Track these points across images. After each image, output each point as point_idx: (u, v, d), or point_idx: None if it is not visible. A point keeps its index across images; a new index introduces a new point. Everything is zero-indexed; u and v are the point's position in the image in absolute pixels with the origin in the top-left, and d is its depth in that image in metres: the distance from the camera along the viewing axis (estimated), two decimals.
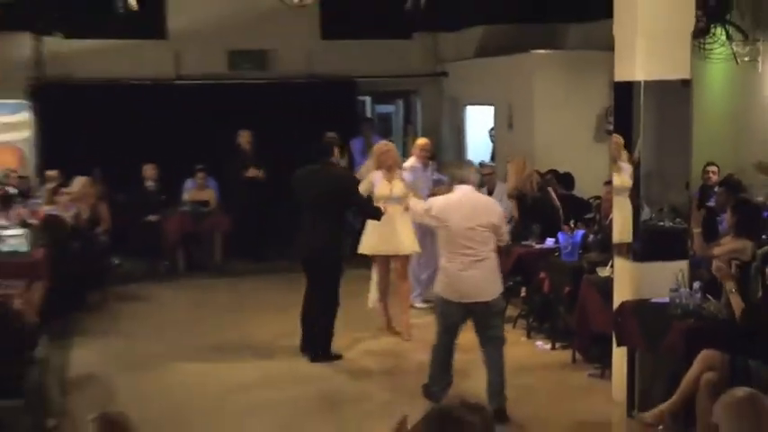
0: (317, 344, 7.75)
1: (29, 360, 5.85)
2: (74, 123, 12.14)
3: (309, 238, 7.62)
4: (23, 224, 9.05)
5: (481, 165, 10.99)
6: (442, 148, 13.29)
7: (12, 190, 10.70)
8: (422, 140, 9.97)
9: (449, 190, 6.46)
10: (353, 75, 13.59)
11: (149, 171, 11.60)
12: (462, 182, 6.12)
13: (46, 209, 9.72)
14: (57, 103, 12.47)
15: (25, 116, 12.10)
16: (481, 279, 6.01)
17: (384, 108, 16.83)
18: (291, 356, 7.93)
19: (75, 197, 10.04)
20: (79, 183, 10.50)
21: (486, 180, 10.33)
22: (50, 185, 10.46)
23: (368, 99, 15.87)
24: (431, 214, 6.11)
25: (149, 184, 11.64)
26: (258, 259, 11.91)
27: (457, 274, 5.99)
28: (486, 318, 6.12)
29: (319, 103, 12.98)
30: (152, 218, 11.38)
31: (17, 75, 12.33)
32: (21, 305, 6.08)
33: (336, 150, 7.91)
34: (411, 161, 9.58)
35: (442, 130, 14.17)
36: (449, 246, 6.04)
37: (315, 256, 7.61)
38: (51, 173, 11.20)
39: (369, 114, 15.88)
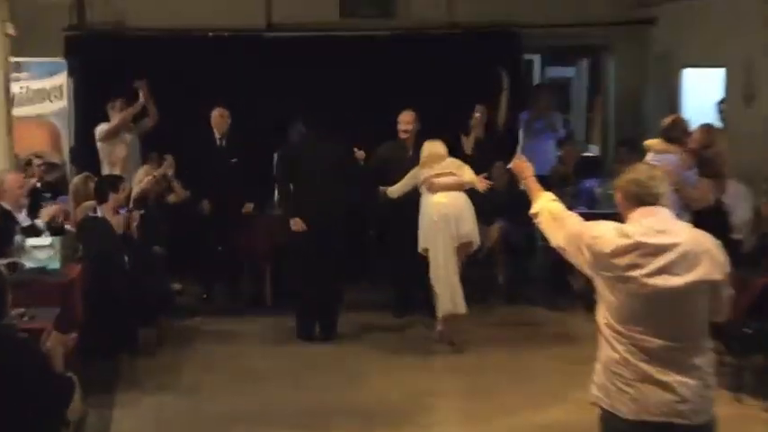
0: (329, 320, 10.24)
1: (58, 423, 5.90)
2: (126, 90, 12.35)
3: (313, 210, 10.12)
4: (55, 230, 9.20)
5: None
6: (645, 128, 12.97)
7: (37, 183, 10.95)
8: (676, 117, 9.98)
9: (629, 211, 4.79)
10: (516, 23, 13.48)
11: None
12: (649, 200, 4.69)
13: (85, 208, 9.89)
14: (103, 63, 12.76)
15: (60, 80, 12.37)
16: (696, 388, 4.58)
17: (559, 71, 16.69)
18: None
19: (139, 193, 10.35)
20: (141, 173, 10.75)
21: None
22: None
23: (536, 58, 15.73)
24: (593, 250, 4.66)
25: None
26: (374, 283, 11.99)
27: (646, 375, 4.60)
28: None
29: (467, 64, 12.87)
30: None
31: (50, 23, 12.67)
32: (49, 345, 6.14)
33: (326, 125, 10.33)
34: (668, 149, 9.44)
35: (645, 103, 13.87)
36: (630, 319, 4.62)
37: (322, 226, 10.09)
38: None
39: (538, 80, 15.72)
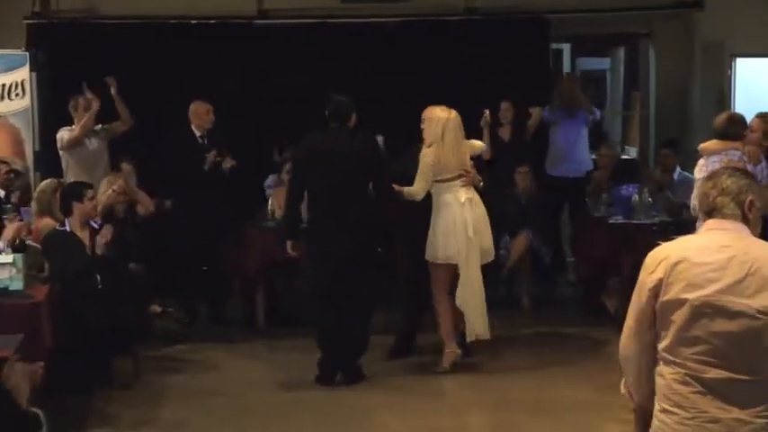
0: (348, 360, 9.77)
1: None
2: (97, 87, 12.36)
3: (335, 226, 9.48)
4: (17, 247, 9.22)
5: None
6: (691, 128, 12.97)
7: (1, 192, 10.99)
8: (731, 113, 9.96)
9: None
10: (543, 9, 13.55)
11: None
12: (714, 211, 4.59)
13: (49, 222, 9.91)
14: (71, 56, 12.83)
15: (21, 75, 12.37)
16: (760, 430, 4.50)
17: (593, 63, 16.67)
18: None
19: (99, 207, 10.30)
20: (103, 186, 10.80)
21: None
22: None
23: (566, 48, 15.73)
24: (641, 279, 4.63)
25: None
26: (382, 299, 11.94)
27: (702, 411, 4.52)
28: None
29: (487, 55, 12.89)
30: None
31: (10, 10, 12.75)
32: (11, 378, 6.15)
33: (353, 117, 9.76)
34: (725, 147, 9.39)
35: (691, 99, 13.85)
36: (680, 348, 4.54)
37: (347, 247, 9.44)
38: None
39: (568, 71, 15.71)
